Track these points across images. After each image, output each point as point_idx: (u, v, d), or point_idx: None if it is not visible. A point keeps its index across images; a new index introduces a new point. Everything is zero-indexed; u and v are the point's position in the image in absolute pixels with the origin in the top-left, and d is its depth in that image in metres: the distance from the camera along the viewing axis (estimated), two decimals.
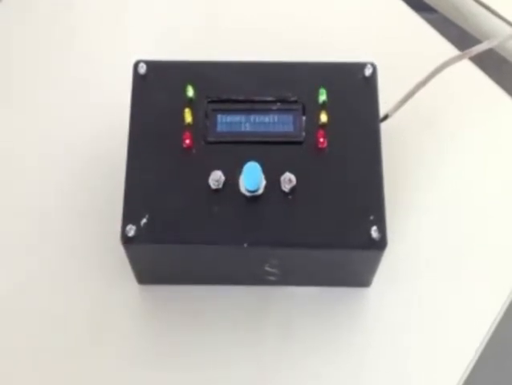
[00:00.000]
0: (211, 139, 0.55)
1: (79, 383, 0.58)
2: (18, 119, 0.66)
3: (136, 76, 0.57)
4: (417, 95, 0.60)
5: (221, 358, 0.58)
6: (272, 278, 0.58)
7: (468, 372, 0.59)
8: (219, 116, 0.56)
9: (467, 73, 0.67)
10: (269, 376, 0.58)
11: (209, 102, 0.56)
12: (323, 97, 0.56)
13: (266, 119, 0.56)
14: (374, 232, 0.53)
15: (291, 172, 0.54)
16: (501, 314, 0.60)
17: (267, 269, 0.56)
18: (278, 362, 0.58)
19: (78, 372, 0.58)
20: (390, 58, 0.63)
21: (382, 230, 0.53)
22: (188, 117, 0.55)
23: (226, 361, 0.58)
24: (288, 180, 0.54)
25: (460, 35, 0.73)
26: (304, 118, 0.56)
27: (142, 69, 0.57)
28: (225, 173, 0.54)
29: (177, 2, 0.71)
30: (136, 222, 0.53)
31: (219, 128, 0.56)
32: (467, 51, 0.60)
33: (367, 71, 0.57)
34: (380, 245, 0.53)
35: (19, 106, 0.67)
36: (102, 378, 0.58)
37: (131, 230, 0.53)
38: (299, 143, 0.55)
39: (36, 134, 0.65)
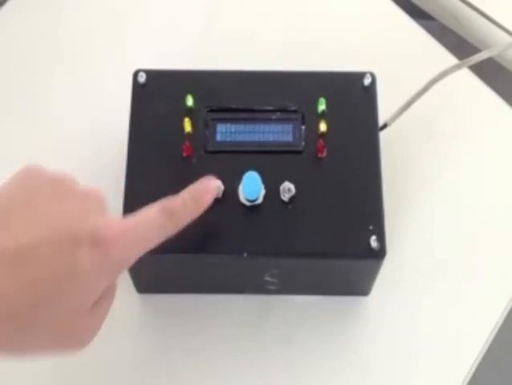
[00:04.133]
0: (210, 148, 0.55)
1: None
2: (18, 127, 0.66)
3: (136, 85, 0.57)
4: (416, 104, 0.60)
5: (220, 366, 0.58)
6: (272, 287, 0.58)
7: (468, 379, 0.59)
8: (219, 125, 0.56)
9: (466, 81, 0.67)
10: (269, 384, 0.58)
11: (209, 111, 0.56)
12: (322, 106, 0.56)
13: (266, 128, 0.56)
14: (373, 241, 0.53)
15: (291, 181, 0.54)
16: (501, 322, 0.60)
17: (267, 278, 0.56)
18: (278, 371, 0.58)
19: (76, 381, 0.58)
20: (389, 67, 0.63)
21: (381, 240, 0.53)
22: (187, 126, 0.55)
23: (226, 370, 0.58)
24: (287, 190, 0.54)
25: (458, 43, 0.73)
26: (304, 127, 0.56)
27: (142, 78, 0.57)
28: (224, 182, 0.54)
29: (177, 11, 0.71)
30: None
31: (219, 138, 0.56)
32: (466, 60, 0.61)
33: (367, 81, 0.57)
34: (380, 254, 0.53)
35: (19, 114, 0.67)
36: None
37: None
38: (299, 152, 0.55)
39: (36, 144, 0.65)
